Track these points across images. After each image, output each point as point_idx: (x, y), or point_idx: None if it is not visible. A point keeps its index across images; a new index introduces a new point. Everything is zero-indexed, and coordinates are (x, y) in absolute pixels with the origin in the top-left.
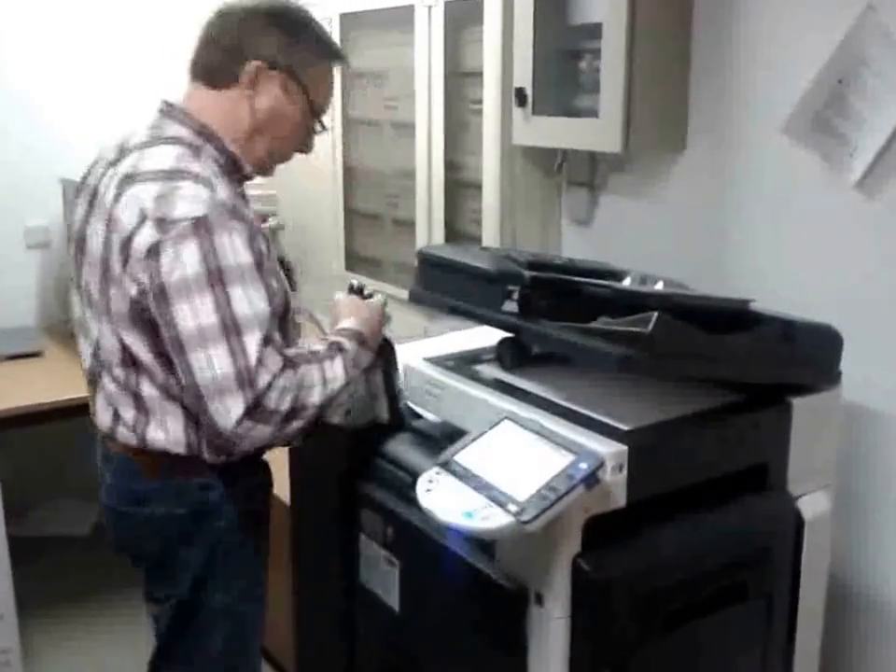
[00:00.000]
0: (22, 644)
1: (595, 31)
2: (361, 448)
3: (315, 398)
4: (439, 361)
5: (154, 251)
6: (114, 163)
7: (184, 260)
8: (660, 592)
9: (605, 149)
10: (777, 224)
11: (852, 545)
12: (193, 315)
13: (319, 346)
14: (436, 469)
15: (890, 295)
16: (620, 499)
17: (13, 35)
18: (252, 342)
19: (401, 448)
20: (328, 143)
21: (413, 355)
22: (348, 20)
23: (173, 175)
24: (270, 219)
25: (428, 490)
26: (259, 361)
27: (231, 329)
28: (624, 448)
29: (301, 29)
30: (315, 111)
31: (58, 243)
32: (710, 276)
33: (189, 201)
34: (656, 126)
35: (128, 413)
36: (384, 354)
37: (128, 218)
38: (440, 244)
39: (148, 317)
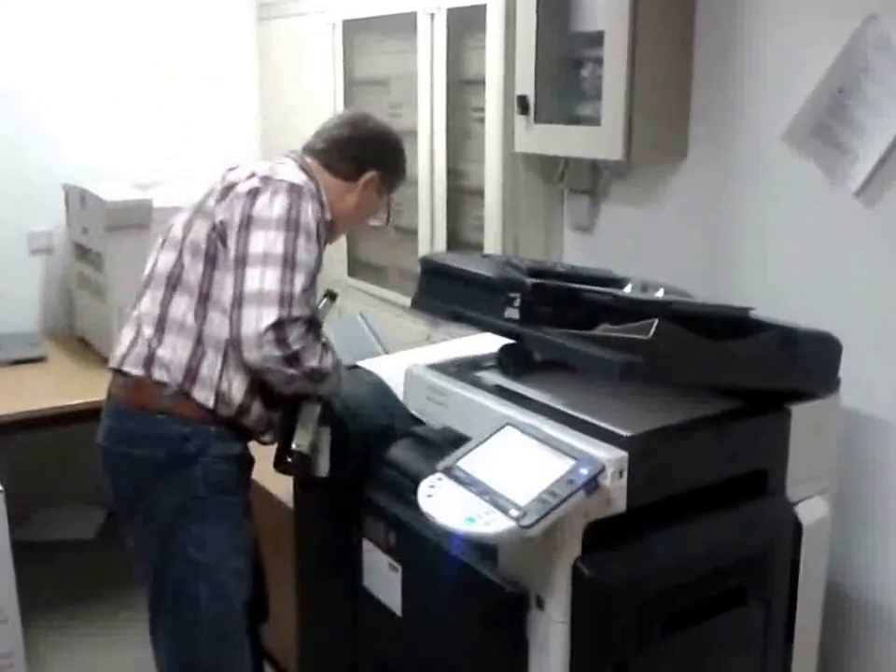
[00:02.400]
0: (26, 648)
1: (597, 39)
2: (364, 454)
3: (313, 363)
4: (441, 368)
5: (253, 193)
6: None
7: (274, 205)
8: (659, 596)
9: (606, 157)
10: (777, 231)
11: (850, 550)
12: (265, 242)
13: (321, 340)
14: (438, 474)
15: (890, 302)
16: (620, 504)
17: (18, 48)
18: (300, 279)
19: (404, 454)
20: None
21: (416, 361)
22: (351, 26)
23: (283, 164)
24: None
25: (430, 495)
26: (300, 297)
27: (289, 262)
28: (625, 454)
29: (403, 157)
30: (389, 210)
31: (61, 248)
32: (710, 284)
33: (292, 173)
34: (658, 134)
35: (148, 330)
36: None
37: (237, 175)
38: (442, 251)
39: (216, 245)
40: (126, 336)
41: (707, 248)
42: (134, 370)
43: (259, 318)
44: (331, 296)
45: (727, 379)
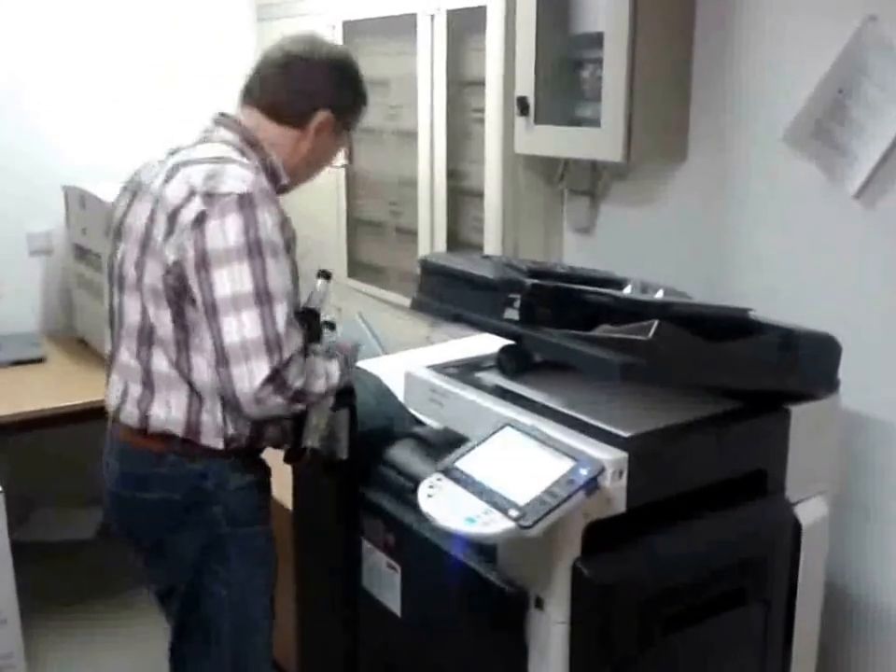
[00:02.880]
0: (26, 648)
1: (596, 40)
2: (364, 454)
3: (320, 387)
4: (441, 368)
5: (200, 220)
6: (163, 161)
7: (227, 230)
8: (659, 596)
9: (606, 158)
10: (777, 233)
11: (849, 551)
12: (231, 280)
13: (318, 347)
14: (437, 474)
15: (889, 303)
16: (620, 505)
17: (18, 49)
18: (281, 313)
19: (403, 454)
20: None
21: (416, 362)
22: (351, 27)
23: (221, 159)
24: None
25: (430, 496)
26: (287, 333)
27: (263, 297)
28: (624, 454)
29: (359, 85)
30: (350, 149)
31: (60, 249)
32: (710, 285)
33: (236, 178)
34: (657, 135)
35: (136, 388)
36: (349, 395)
37: (176, 194)
38: (442, 252)
39: (177, 289)
40: (115, 386)
41: (706, 249)
42: (133, 424)
43: (252, 376)
44: (325, 275)
45: (727, 380)
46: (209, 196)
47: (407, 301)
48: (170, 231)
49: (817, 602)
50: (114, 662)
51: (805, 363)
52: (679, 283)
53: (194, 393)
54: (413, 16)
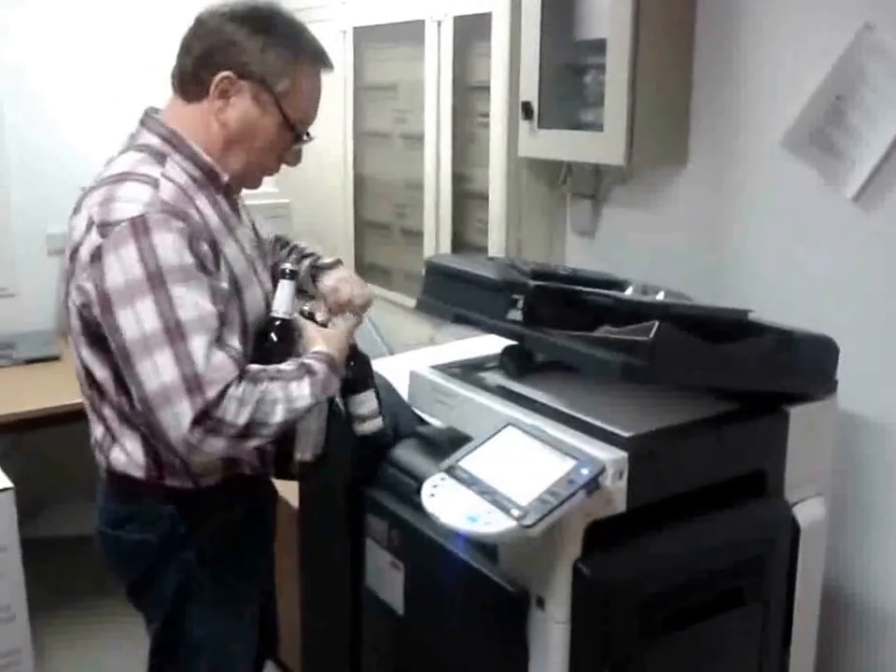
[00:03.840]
0: (34, 644)
1: (599, 47)
2: (367, 454)
3: (278, 416)
4: (444, 369)
5: (97, 256)
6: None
7: (124, 263)
8: (658, 596)
9: (609, 162)
10: (776, 236)
11: (847, 551)
12: (136, 321)
13: (288, 366)
14: (440, 474)
15: (885, 306)
16: (620, 505)
17: (38, 51)
18: (199, 346)
19: (406, 453)
20: (339, 154)
21: (420, 362)
22: (361, 33)
23: (121, 177)
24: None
25: (433, 495)
26: (207, 366)
27: (174, 333)
28: (625, 455)
29: (271, 33)
30: (290, 122)
31: None
32: (710, 287)
33: (127, 202)
34: (659, 140)
35: (98, 432)
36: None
37: (78, 228)
38: (447, 253)
39: (97, 331)
40: (90, 428)
41: (706, 252)
42: (102, 466)
43: (178, 422)
44: (290, 275)
45: (726, 381)
46: (103, 226)
47: (412, 302)
48: (72, 273)
49: (815, 602)
50: (121, 658)
51: (804, 365)
52: (679, 285)
53: (145, 436)
54: (421, 22)
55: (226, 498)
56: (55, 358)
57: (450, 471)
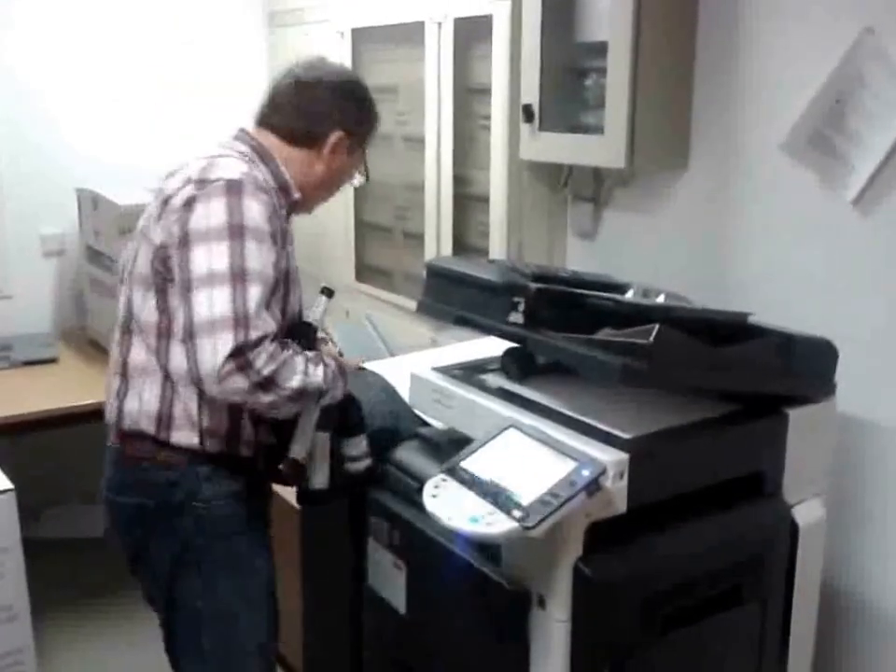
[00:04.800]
0: (36, 644)
1: (600, 49)
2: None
3: (294, 382)
4: (446, 370)
5: (188, 203)
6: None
7: (211, 212)
8: (658, 595)
9: (609, 165)
10: (776, 239)
11: (845, 552)
12: (207, 258)
13: (309, 353)
14: (442, 475)
15: (885, 309)
16: (621, 505)
17: (32, 51)
18: (254, 294)
19: (409, 454)
20: None
21: (421, 364)
22: (360, 35)
23: (220, 154)
24: None
25: (435, 496)
26: (257, 314)
27: (238, 276)
28: (625, 456)
29: (368, 103)
30: (367, 167)
31: (73, 251)
32: (710, 290)
33: (227, 168)
34: (660, 143)
35: (115, 381)
36: (334, 417)
37: (173, 185)
38: (448, 256)
39: (161, 273)
40: (106, 388)
41: (706, 255)
42: (112, 422)
43: (215, 350)
44: (328, 293)
45: (726, 383)
46: (200, 182)
47: (413, 304)
48: (160, 216)
49: (813, 602)
50: (123, 658)
51: (803, 367)
52: (679, 288)
53: (168, 382)
54: (421, 24)
55: (223, 472)
56: (52, 361)
57: (451, 472)
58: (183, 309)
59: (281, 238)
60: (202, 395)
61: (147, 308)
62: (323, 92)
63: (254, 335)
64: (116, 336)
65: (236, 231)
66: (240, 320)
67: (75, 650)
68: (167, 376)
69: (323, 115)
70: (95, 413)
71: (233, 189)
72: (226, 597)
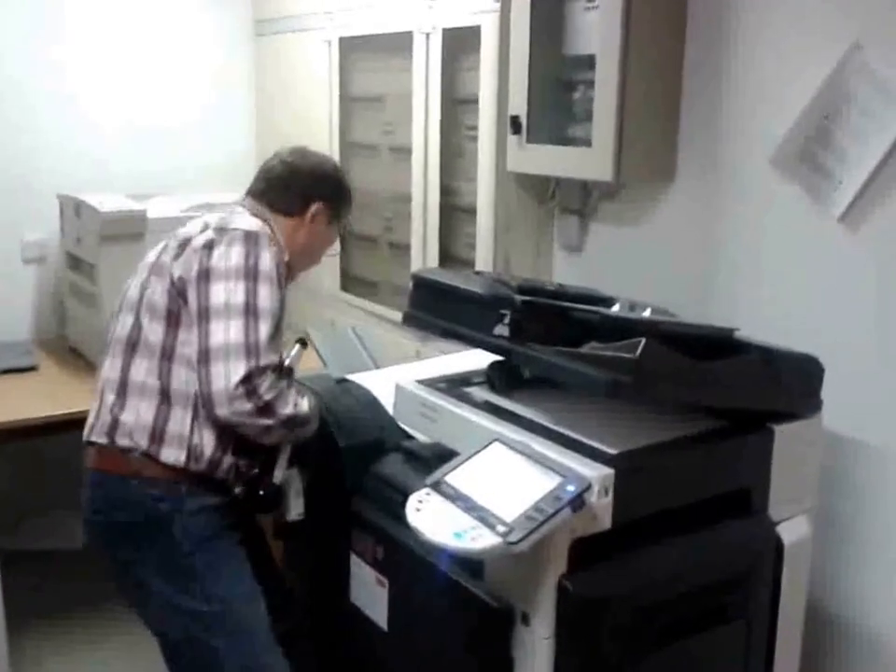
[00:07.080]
0: (11, 657)
1: (588, 62)
2: (353, 467)
3: (288, 410)
4: (430, 383)
5: (209, 245)
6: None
7: (231, 255)
8: (642, 612)
9: (597, 178)
10: (763, 254)
11: (831, 569)
12: (226, 292)
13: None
14: (426, 489)
15: (871, 325)
16: (605, 521)
17: (15, 55)
18: (265, 328)
19: (392, 468)
20: None
21: (406, 376)
22: (348, 44)
23: (235, 212)
24: None
25: (418, 510)
26: (266, 344)
27: (251, 311)
28: (611, 471)
29: (344, 182)
30: (343, 233)
31: (54, 257)
32: (697, 304)
33: (245, 221)
34: (647, 156)
35: (110, 396)
36: (304, 453)
37: (190, 230)
38: (434, 267)
39: (175, 300)
40: (93, 407)
41: (693, 269)
42: (100, 439)
43: (228, 374)
44: (303, 343)
45: (711, 398)
46: (220, 230)
47: (398, 316)
48: (179, 254)
49: (798, 620)
50: (100, 670)
51: (789, 383)
52: (665, 302)
53: (165, 402)
54: (409, 34)
55: (202, 491)
56: (32, 369)
57: (435, 486)
58: (198, 334)
59: (285, 285)
60: (195, 417)
61: (153, 332)
62: (307, 173)
63: (263, 362)
64: (109, 355)
65: (252, 274)
66: (251, 349)
67: (51, 663)
68: (165, 395)
69: (306, 187)
70: (75, 422)
71: (250, 238)
72: (225, 594)
